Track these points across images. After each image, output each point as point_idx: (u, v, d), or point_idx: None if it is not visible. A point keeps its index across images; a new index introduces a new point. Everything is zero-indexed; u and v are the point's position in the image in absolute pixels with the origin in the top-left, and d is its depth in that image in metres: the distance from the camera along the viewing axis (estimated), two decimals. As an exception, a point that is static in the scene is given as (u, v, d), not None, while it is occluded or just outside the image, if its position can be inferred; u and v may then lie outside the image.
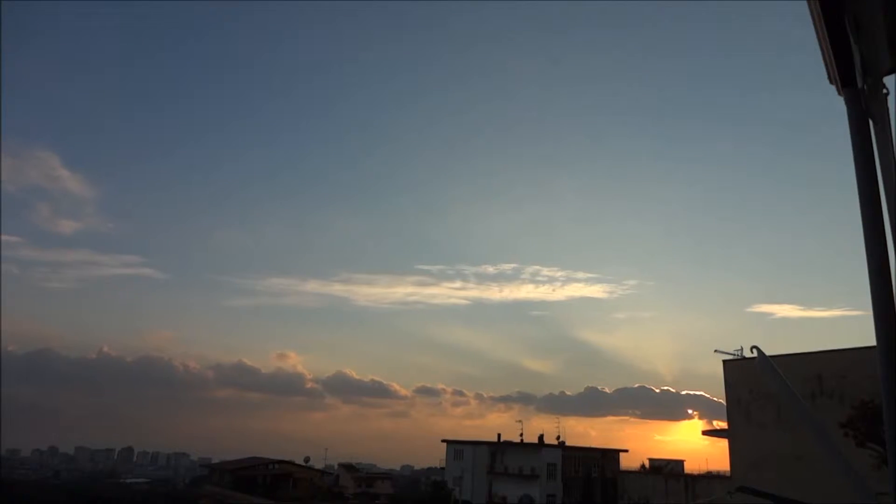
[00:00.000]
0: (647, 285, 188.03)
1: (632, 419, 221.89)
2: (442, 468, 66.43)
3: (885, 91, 2.37)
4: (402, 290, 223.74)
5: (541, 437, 59.65)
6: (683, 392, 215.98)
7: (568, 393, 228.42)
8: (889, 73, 2.40)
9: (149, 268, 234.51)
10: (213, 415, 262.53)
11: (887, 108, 2.32)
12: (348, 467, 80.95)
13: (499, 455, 60.51)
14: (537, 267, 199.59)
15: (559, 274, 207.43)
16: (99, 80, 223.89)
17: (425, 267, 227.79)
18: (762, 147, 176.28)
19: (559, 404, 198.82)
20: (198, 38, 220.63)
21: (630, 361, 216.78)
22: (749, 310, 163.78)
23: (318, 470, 72.41)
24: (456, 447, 63.93)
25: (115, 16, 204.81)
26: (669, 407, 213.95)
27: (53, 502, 75.79)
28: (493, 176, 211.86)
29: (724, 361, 28.74)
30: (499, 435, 63.40)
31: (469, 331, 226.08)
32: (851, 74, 2.27)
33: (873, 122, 2.27)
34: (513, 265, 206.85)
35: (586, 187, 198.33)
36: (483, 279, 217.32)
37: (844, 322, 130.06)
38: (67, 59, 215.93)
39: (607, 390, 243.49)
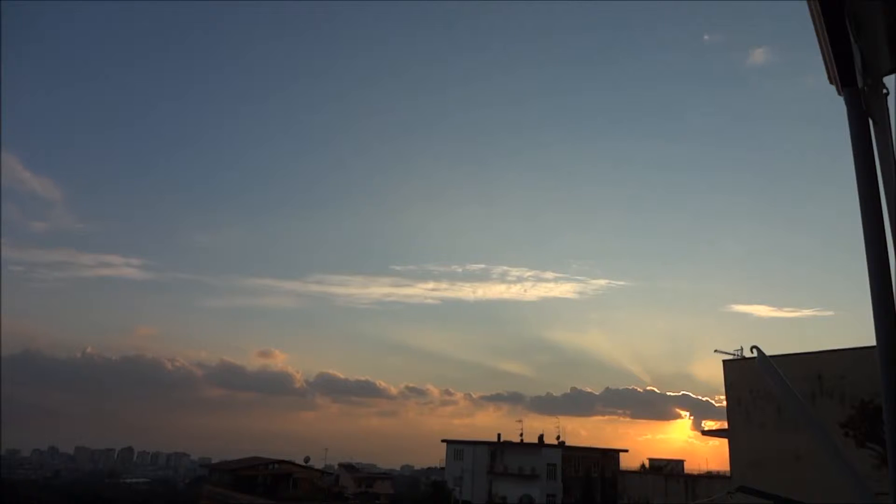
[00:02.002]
0: (617, 286, 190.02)
1: (619, 419, 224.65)
2: (442, 468, 66.44)
3: (885, 91, 2.37)
4: (378, 291, 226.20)
5: (541, 437, 59.65)
6: (668, 393, 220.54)
7: (554, 394, 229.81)
8: (889, 73, 2.40)
9: (127, 268, 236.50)
10: (204, 414, 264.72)
11: (887, 108, 2.32)
12: (348, 467, 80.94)
13: (499, 455, 60.49)
14: (505, 267, 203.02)
15: (528, 274, 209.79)
16: (56, 81, 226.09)
17: (397, 268, 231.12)
18: (735, 149, 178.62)
19: (547, 404, 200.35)
20: (169, 39, 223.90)
21: (609, 362, 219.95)
22: (722, 310, 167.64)
23: (318, 470, 72.33)
24: (456, 447, 63.92)
25: (71, 17, 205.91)
26: (654, 407, 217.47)
27: (53, 502, 75.79)
28: (451, 178, 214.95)
29: (724, 361, 28.74)
30: (499, 435, 63.46)
31: (444, 332, 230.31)
32: (851, 74, 2.26)
33: (873, 122, 2.27)
34: (481, 265, 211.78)
35: (543, 188, 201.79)
36: (454, 280, 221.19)
37: (815, 322, 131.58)
38: (20, 61, 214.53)
39: (590, 391, 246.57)
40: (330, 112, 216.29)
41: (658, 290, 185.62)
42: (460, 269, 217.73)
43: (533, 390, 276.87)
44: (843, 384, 22.45)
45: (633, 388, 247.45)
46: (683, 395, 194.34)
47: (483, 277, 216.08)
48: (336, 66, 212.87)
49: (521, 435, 62.03)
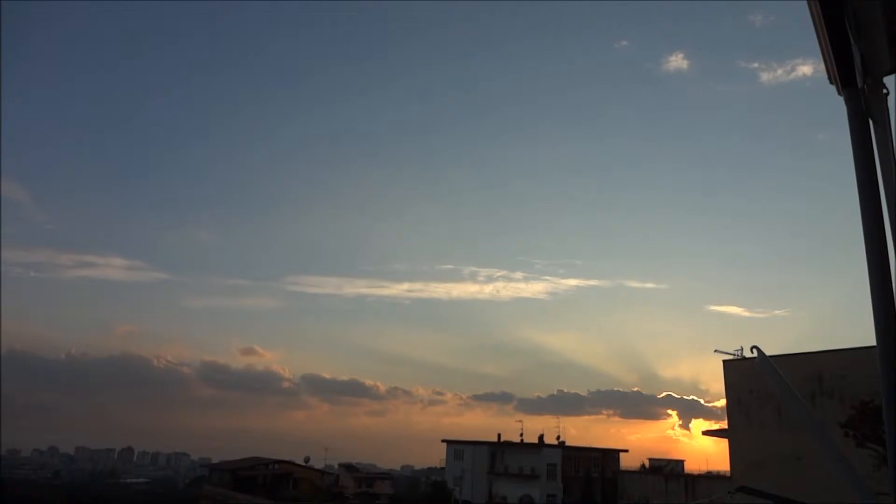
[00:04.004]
0: (589, 285, 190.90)
1: (608, 419, 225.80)
2: (442, 468, 66.43)
3: (885, 91, 2.37)
4: (353, 292, 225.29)
5: (541, 437, 59.65)
6: (653, 394, 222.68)
7: (540, 395, 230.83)
8: (889, 73, 2.40)
9: (107, 268, 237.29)
10: (198, 414, 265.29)
11: (887, 108, 2.32)
12: (348, 467, 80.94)
13: (499, 455, 60.50)
14: (474, 268, 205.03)
15: (498, 274, 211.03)
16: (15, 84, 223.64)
17: (369, 269, 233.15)
18: (698, 151, 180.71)
19: (535, 404, 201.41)
20: (140, 39, 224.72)
21: (589, 364, 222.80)
22: (698, 311, 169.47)
23: (318, 470, 72.35)
24: (456, 447, 63.92)
25: (27, 18, 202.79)
26: (641, 407, 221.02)
27: (53, 502, 75.77)
28: (414, 182, 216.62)
29: (725, 361, 28.74)
30: (499, 435, 63.51)
31: (421, 333, 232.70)
32: (851, 74, 2.26)
33: (873, 122, 2.27)
34: (449, 266, 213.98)
35: (497, 187, 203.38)
36: (427, 281, 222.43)
37: (785, 322, 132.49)
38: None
39: (576, 392, 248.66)
40: (300, 118, 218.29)
41: (627, 290, 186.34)
42: (430, 270, 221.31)
43: (515, 391, 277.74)
44: (843, 384, 22.43)
45: (618, 390, 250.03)
46: (668, 395, 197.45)
47: (455, 278, 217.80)
48: (311, 72, 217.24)
49: (521, 435, 62.12)
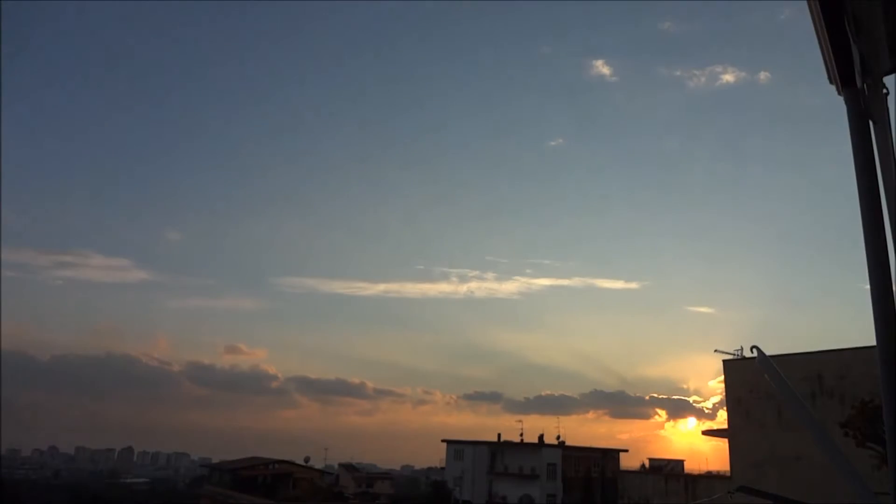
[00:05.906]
0: (560, 285, 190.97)
1: (599, 419, 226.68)
2: (442, 468, 66.46)
3: (885, 91, 2.37)
4: (330, 293, 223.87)
5: (541, 437, 59.67)
6: (639, 394, 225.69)
7: (527, 395, 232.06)
8: (889, 73, 2.40)
9: (83, 268, 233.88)
10: (193, 413, 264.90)
11: (887, 108, 2.32)
12: (348, 467, 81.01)
13: (499, 455, 60.52)
14: (445, 269, 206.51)
15: (471, 275, 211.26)
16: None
17: (348, 270, 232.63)
18: (667, 154, 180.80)
19: (523, 405, 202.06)
20: (115, 37, 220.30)
21: (572, 365, 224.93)
22: (669, 311, 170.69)
23: (318, 470, 72.36)
24: (456, 447, 63.93)
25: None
26: (629, 407, 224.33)
27: (53, 502, 75.83)
28: (378, 183, 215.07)
29: (724, 361, 28.74)
30: (499, 435, 63.54)
31: (398, 333, 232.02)
32: (851, 74, 2.26)
33: (873, 122, 2.27)
34: (420, 266, 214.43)
35: (460, 189, 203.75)
36: (402, 282, 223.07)
37: (758, 322, 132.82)
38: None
39: (562, 393, 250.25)
40: (284, 121, 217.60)
41: (597, 290, 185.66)
42: (404, 272, 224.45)
43: (502, 391, 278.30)
44: (843, 384, 22.43)
45: (601, 390, 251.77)
46: (654, 395, 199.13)
47: (429, 279, 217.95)
48: (297, 76, 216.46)
49: (521, 435, 62.15)
